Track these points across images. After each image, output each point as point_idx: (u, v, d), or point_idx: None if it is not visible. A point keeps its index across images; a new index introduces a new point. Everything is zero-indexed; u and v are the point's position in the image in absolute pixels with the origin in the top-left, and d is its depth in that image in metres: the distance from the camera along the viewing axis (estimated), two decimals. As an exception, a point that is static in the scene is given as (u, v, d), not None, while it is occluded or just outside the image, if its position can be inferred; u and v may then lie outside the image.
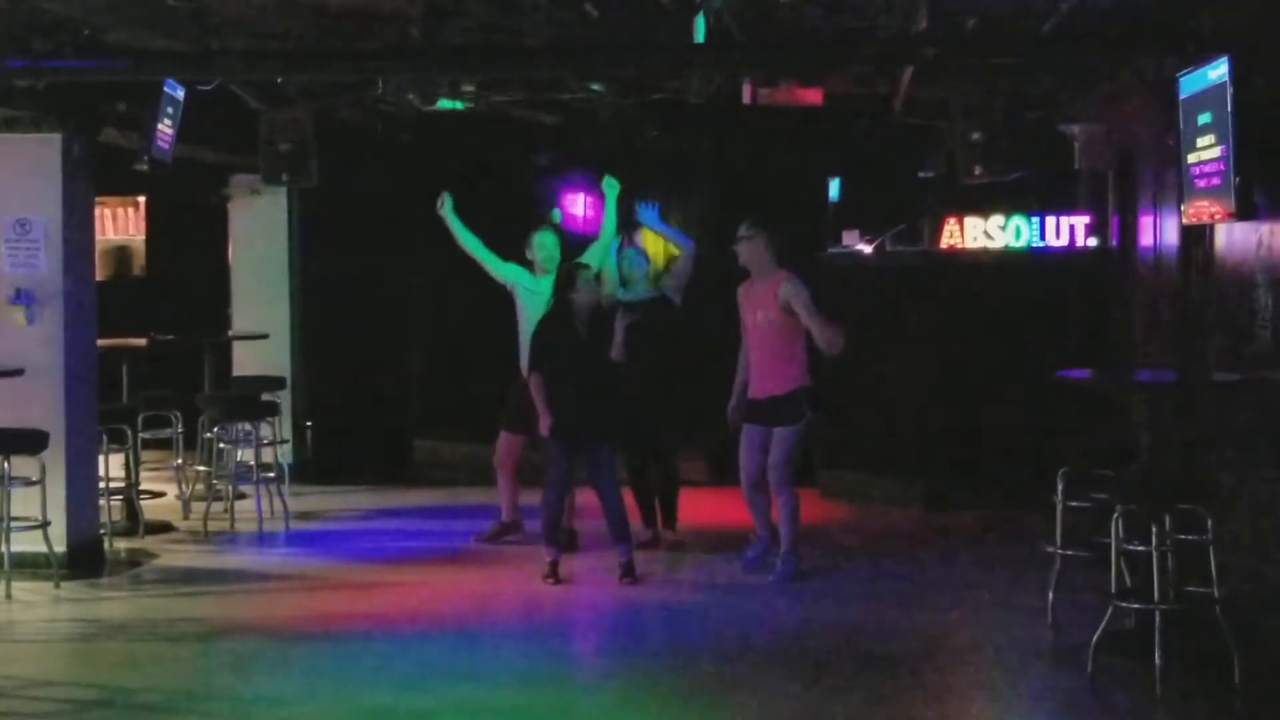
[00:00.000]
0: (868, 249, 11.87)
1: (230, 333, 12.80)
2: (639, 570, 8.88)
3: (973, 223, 11.57)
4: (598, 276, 9.19)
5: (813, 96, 10.74)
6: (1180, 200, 7.78)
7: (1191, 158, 7.46)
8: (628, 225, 11.10)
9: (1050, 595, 7.73)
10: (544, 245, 9.72)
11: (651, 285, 9.95)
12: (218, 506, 10.68)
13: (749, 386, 9.11)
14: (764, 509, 9.20)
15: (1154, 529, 6.78)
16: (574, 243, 10.45)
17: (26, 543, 8.71)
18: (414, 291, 13.70)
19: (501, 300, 9.90)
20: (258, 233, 13.12)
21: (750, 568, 9.16)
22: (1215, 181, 7.14)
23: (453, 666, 7.13)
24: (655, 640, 7.80)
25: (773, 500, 9.06)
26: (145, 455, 11.24)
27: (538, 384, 8.78)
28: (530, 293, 9.62)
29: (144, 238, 15.25)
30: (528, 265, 9.80)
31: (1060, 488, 7.80)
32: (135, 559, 9.63)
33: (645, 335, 9.68)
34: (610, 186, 9.92)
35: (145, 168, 9.27)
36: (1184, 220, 7.86)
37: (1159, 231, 9.27)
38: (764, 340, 9.02)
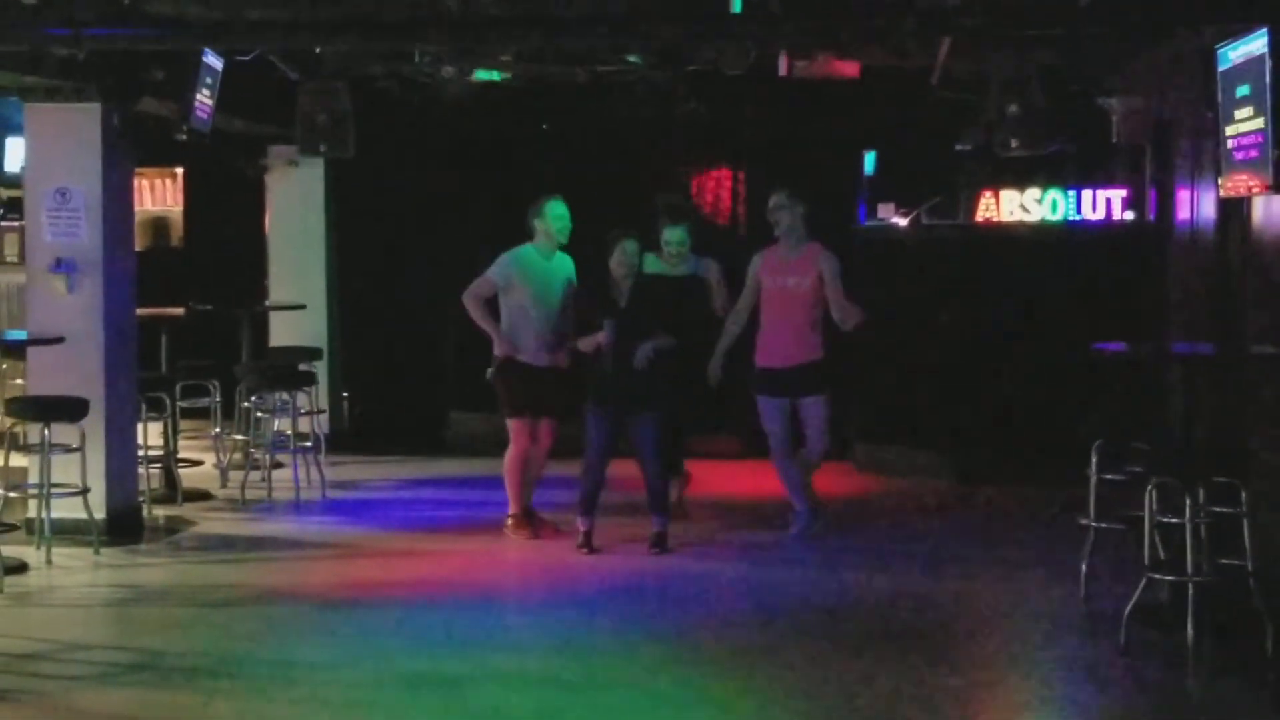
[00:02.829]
0: (903, 222, 11.83)
1: (267, 303, 12.85)
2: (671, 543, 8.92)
3: (1009, 196, 11.51)
4: (638, 246, 8.93)
5: (849, 69, 10.71)
6: (1218, 173, 7.73)
7: (1229, 130, 7.41)
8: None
9: (1083, 567, 7.72)
10: (559, 215, 9.05)
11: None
12: (255, 475, 10.76)
13: (765, 355, 9.14)
14: (798, 481, 9.24)
15: (1188, 501, 6.78)
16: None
17: (67, 509, 8.79)
18: (450, 263, 13.71)
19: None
20: (295, 204, 13.17)
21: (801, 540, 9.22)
22: (1254, 154, 7.09)
23: (487, 634, 7.20)
24: (688, 610, 7.82)
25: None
26: (183, 424, 11.30)
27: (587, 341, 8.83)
28: (537, 271, 9.11)
29: (182, 208, 15.29)
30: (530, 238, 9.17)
31: (1094, 460, 7.79)
32: (174, 526, 9.71)
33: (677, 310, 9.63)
34: None
35: (184, 138, 9.31)
36: (1222, 193, 7.81)
37: (1196, 205, 9.22)
38: (795, 306, 9.06)
